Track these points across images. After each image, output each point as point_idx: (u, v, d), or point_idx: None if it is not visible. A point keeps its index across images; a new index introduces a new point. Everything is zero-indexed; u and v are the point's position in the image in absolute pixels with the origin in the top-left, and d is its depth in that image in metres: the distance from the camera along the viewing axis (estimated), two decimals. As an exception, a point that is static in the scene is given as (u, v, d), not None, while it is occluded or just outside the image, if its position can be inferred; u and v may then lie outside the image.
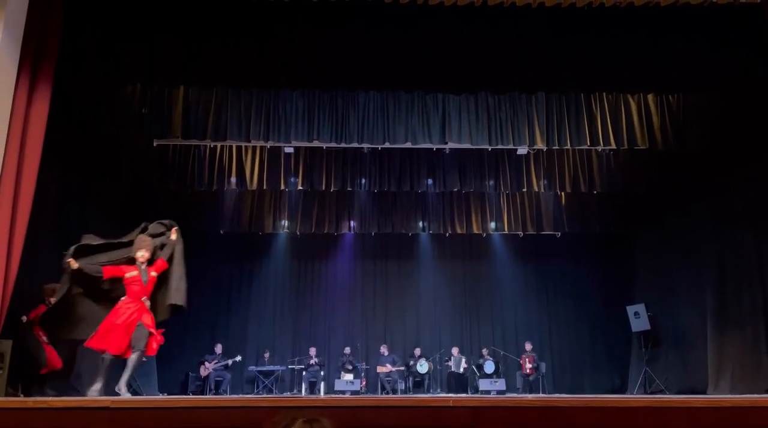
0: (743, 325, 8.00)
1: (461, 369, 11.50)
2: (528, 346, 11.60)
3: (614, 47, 7.61)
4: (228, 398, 5.96)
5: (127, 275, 6.13)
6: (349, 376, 11.12)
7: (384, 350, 11.81)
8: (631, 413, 3.55)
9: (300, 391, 11.40)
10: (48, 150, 6.24)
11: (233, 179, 10.37)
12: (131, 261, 6.28)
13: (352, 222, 12.01)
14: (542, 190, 10.95)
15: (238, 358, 11.29)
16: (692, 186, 9.44)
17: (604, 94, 8.45)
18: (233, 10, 7.17)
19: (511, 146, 9.02)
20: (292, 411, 2.07)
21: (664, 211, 10.30)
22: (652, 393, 9.76)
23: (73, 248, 6.08)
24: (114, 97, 8.14)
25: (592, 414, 3.55)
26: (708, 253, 8.93)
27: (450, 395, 9.38)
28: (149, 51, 7.42)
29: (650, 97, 8.58)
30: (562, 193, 11.51)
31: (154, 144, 9.50)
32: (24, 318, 6.77)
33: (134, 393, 9.18)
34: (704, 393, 8.34)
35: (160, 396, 8.65)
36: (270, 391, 11.27)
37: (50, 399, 4.35)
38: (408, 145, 8.63)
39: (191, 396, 9.44)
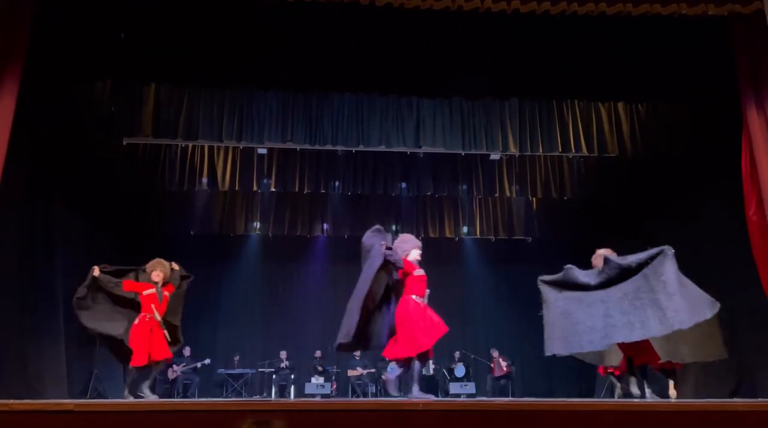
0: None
1: (430, 371, 11.52)
2: (494, 353, 11.66)
3: (586, 55, 7.74)
4: (195, 401, 5.85)
5: (416, 272, 6.11)
6: (320, 379, 11.06)
7: (356, 353, 11.77)
8: (597, 416, 3.59)
9: (270, 395, 11.30)
10: (15, 146, 6.08)
11: (204, 180, 10.24)
12: None
13: (325, 225, 11.97)
14: (514, 196, 11.08)
15: (207, 361, 11.14)
16: (661, 194, 9.61)
17: (576, 101, 8.59)
18: (207, 7, 7.09)
19: (484, 151, 9.13)
20: (249, 414, 2.05)
21: (634, 219, 10.47)
22: (619, 397, 9.89)
23: None
24: (84, 94, 7.99)
25: (560, 417, 3.58)
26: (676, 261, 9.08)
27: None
28: (120, 47, 7.30)
29: (620, 105, 8.76)
30: (534, 199, 11.64)
31: (124, 142, 9.33)
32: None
33: (99, 396, 9.01)
34: (668, 397, 8.48)
35: (126, 400, 8.49)
36: (239, 395, 11.15)
37: (12, 401, 4.23)
38: (382, 148, 8.65)
39: (158, 399, 9.27)
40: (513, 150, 8.57)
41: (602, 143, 8.66)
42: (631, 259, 5.82)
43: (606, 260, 5.90)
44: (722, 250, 8.02)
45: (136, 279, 7.02)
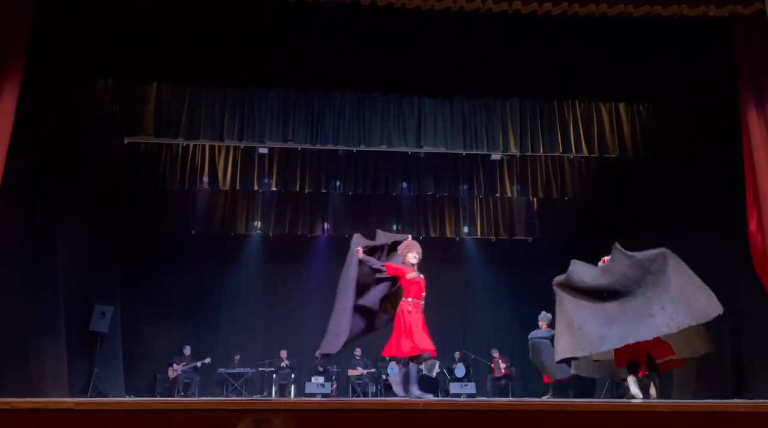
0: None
1: (433, 374, 11.53)
2: (495, 353, 11.66)
3: (587, 56, 7.74)
4: (195, 400, 5.85)
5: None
6: (320, 379, 11.06)
7: (357, 353, 11.79)
8: (597, 416, 3.60)
9: (270, 394, 11.31)
10: (15, 145, 6.09)
11: (205, 179, 10.24)
12: None
13: (325, 225, 11.97)
14: (515, 196, 11.07)
15: (208, 360, 11.15)
16: (662, 195, 9.61)
17: (577, 102, 8.59)
18: (208, 7, 7.09)
19: (485, 151, 9.13)
20: (249, 413, 2.06)
21: (634, 219, 10.46)
22: (618, 397, 9.90)
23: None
24: (85, 93, 8.00)
25: (560, 417, 3.59)
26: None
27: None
28: (121, 45, 7.30)
29: (621, 105, 8.75)
30: (535, 199, 11.63)
31: (125, 141, 9.34)
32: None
33: (99, 395, 9.03)
34: (668, 397, 8.48)
35: (127, 398, 8.51)
36: (239, 394, 11.16)
37: (12, 400, 4.24)
38: (383, 148, 8.65)
39: (158, 398, 9.29)
40: (514, 150, 8.57)
41: (603, 143, 8.66)
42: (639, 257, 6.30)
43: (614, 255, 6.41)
44: (723, 250, 8.02)
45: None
